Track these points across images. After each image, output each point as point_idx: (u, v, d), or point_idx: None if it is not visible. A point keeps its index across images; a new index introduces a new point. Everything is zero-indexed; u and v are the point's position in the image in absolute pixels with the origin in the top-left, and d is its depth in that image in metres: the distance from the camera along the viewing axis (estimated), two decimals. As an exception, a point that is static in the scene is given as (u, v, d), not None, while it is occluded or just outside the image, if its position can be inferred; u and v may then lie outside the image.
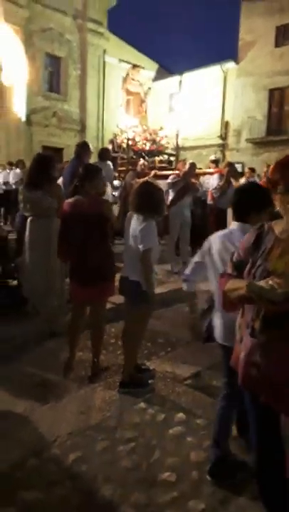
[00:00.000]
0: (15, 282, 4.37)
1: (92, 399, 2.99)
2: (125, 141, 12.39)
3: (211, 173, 8.27)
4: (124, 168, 10.99)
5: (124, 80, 17.93)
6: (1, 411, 2.76)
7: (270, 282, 1.39)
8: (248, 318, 1.57)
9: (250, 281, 1.48)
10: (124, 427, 2.64)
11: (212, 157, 9.44)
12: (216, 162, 8.78)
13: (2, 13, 14.64)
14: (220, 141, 20.62)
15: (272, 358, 1.48)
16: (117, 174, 9.58)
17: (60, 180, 5.21)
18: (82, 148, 5.72)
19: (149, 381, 3.21)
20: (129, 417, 2.76)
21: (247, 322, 1.58)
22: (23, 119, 17.62)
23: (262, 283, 1.41)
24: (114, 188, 7.83)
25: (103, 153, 7.09)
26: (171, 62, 38.63)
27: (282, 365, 1.46)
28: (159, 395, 3.06)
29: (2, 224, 10.22)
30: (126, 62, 20.04)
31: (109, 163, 7.29)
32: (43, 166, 4.02)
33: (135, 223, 2.95)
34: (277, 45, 18.43)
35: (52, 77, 19.01)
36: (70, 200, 3.26)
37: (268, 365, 1.49)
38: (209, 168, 8.80)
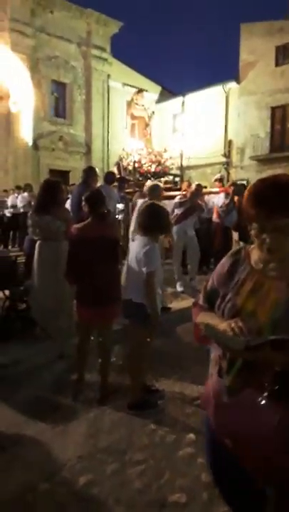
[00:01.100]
0: (24, 305, 4.44)
1: (102, 421, 3.00)
2: (131, 163, 12.61)
3: (217, 193, 8.36)
4: (130, 190, 11.15)
5: (129, 104, 18.37)
6: (12, 434, 2.78)
7: (233, 325, 1.19)
8: (216, 355, 1.36)
9: (207, 324, 1.29)
10: (133, 449, 2.65)
11: (217, 176, 9.54)
12: (221, 180, 8.89)
13: (10, 44, 15.16)
14: (224, 159, 20.84)
15: (239, 404, 1.23)
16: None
17: (67, 204, 5.34)
18: (89, 173, 5.87)
19: (159, 402, 3.22)
20: (138, 439, 2.77)
21: (215, 359, 1.37)
22: (30, 143, 18.09)
23: (224, 325, 1.22)
24: (119, 211, 7.89)
25: (108, 177, 7.24)
26: (173, 84, 39.68)
27: (247, 415, 1.20)
28: (168, 416, 3.06)
29: (10, 247, 10.36)
30: (130, 85, 20.50)
31: (115, 185, 7.42)
32: (50, 191, 4.13)
33: (138, 245, 3.02)
34: (277, 64, 18.78)
35: (58, 102, 19.51)
36: (78, 224, 3.35)
37: (233, 412, 1.26)
38: (214, 186, 8.90)
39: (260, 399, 1.17)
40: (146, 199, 4.99)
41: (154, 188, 5.29)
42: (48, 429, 2.83)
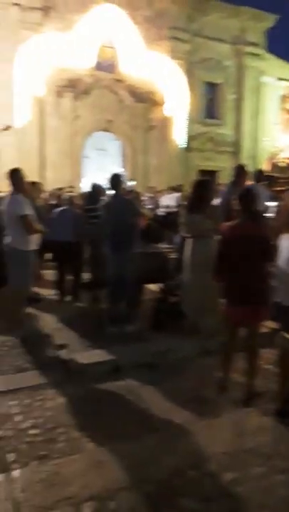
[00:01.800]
0: (174, 299, 4.67)
1: (246, 423, 2.98)
2: (284, 160, 12.00)
3: None
4: (282, 188, 10.62)
5: (283, 99, 17.57)
6: (161, 420, 2.97)
7: None
8: None
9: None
10: (279, 456, 2.56)
11: None
12: None
13: (168, 51, 15.90)
14: None
15: None
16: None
17: (217, 202, 5.40)
18: (240, 172, 5.82)
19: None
20: (285, 447, 2.67)
21: None
22: (183, 146, 18.68)
23: None
24: (269, 209, 7.59)
25: (258, 175, 7.04)
26: None
27: None
28: None
29: (162, 244, 10.92)
30: (285, 79, 19.52)
31: (265, 183, 7.17)
32: (201, 191, 4.26)
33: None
34: None
35: (209, 103, 19.73)
36: (230, 223, 3.37)
37: None
38: None
39: None
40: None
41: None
42: (195, 421, 2.94)
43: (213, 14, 18.23)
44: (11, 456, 2.54)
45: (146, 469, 2.44)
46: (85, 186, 12.57)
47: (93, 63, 15.69)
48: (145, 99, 16.82)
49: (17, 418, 2.95)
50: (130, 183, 14.01)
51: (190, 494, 2.24)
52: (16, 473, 2.40)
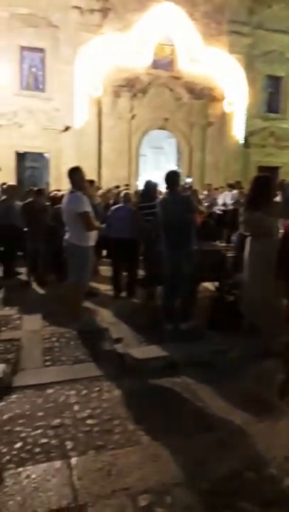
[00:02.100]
0: (231, 298, 4.55)
1: (309, 428, 2.83)
2: None
3: None
4: None
5: None
6: (218, 420, 2.91)
7: None
8: None
9: None
10: None
11: None
12: None
13: (227, 46, 15.59)
14: None
15: None
16: None
17: (278, 199, 5.21)
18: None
19: None
20: None
21: None
22: (242, 142, 18.33)
23: None
24: None
25: None
26: None
27: None
28: None
29: (218, 242, 10.74)
30: None
31: None
32: (261, 188, 4.10)
33: None
34: None
35: (270, 97, 19.06)
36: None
37: None
38: None
39: None
40: None
41: None
42: (254, 422, 2.84)
43: (276, 6, 17.59)
44: (69, 444, 2.61)
45: (202, 467, 2.39)
46: (141, 184, 12.70)
47: (150, 62, 15.78)
48: (203, 96, 16.60)
49: (75, 407, 3.03)
50: (188, 180, 13.92)
51: (248, 497, 2.17)
52: (73, 460, 2.46)
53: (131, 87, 15.78)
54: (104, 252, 7.21)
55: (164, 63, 16.42)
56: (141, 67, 15.58)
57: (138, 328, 4.61)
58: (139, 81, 15.84)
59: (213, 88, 16.40)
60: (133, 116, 16.24)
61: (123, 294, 5.97)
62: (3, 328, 4.57)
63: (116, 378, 3.47)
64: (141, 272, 6.05)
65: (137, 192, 8.59)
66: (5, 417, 2.90)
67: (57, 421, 2.85)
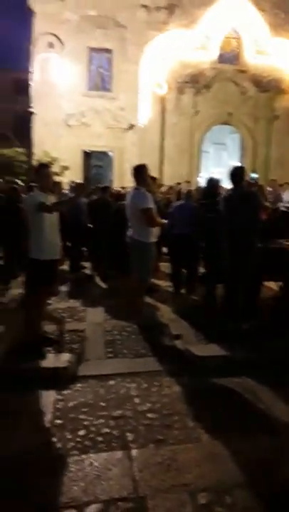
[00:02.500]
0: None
1: None
2: None
3: None
4: None
5: None
6: (282, 424, 2.81)
7: None
8: None
9: None
10: None
11: None
12: None
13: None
14: None
15: None
16: None
17: None
18: None
19: None
20: None
21: None
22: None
23: None
24: None
25: None
26: None
27: None
28: None
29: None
30: None
31: None
32: None
33: None
34: None
35: None
36: None
37: None
38: None
39: None
40: None
41: None
42: None
43: None
44: (129, 436, 2.67)
45: (264, 470, 2.34)
46: (202, 181, 12.53)
47: (216, 56, 15.52)
48: (269, 88, 16.02)
49: (136, 400, 3.09)
50: (253, 175, 13.53)
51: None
52: (134, 452, 2.51)
53: (195, 82, 15.63)
54: (165, 249, 7.23)
55: (229, 57, 16.07)
56: (206, 62, 15.40)
57: (197, 325, 4.59)
58: (204, 76, 15.65)
59: (280, 80, 15.78)
60: (196, 112, 16.08)
61: (183, 290, 5.97)
62: (69, 320, 4.77)
63: (176, 374, 3.48)
64: (201, 270, 6.00)
65: (198, 189, 8.50)
66: (70, 404, 3.03)
67: (118, 412, 2.92)
